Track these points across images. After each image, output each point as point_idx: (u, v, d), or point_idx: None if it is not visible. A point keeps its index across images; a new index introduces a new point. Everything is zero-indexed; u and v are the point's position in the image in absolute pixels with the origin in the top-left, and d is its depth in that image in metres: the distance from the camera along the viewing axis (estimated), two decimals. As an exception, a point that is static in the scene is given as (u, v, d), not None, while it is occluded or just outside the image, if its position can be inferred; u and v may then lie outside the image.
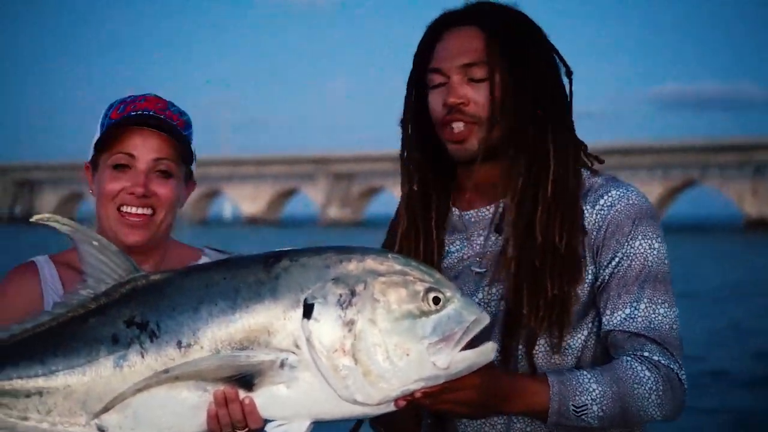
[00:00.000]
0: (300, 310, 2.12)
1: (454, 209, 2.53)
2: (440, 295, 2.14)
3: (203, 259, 2.61)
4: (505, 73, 2.40)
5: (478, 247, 2.48)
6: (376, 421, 2.43)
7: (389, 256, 2.19)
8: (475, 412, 2.25)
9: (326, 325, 2.11)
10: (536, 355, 2.40)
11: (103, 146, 2.53)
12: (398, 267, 2.15)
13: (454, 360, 2.11)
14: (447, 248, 2.52)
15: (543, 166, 2.41)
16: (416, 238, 2.50)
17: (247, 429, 2.16)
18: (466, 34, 2.43)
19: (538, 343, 2.39)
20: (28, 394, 2.21)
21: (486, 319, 2.16)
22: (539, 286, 2.36)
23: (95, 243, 2.24)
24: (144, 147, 2.52)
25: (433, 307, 2.13)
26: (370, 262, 2.15)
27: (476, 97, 2.40)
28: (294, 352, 2.12)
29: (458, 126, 2.41)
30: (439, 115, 2.44)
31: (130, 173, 2.52)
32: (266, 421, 2.18)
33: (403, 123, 2.54)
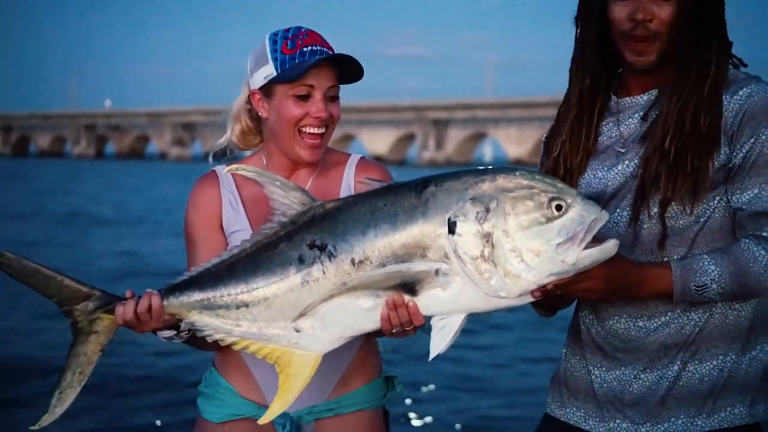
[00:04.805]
0: (446, 228, 2.53)
1: (612, 96, 2.82)
2: (562, 203, 2.50)
3: (351, 161, 3.12)
4: None
5: (624, 129, 2.78)
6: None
7: (517, 173, 2.54)
8: (604, 297, 2.63)
9: (467, 238, 2.51)
10: (667, 217, 2.66)
11: (283, 79, 2.97)
12: (525, 182, 2.52)
13: (580, 257, 2.47)
14: (600, 129, 2.82)
15: (705, 66, 2.68)
16: (579, 127, 2.81)
17: (412, 326, 2.62)
18: None
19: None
20: (237, 306, 2.73)
21: (605, 217, 2.51)
22: (680, 161, 2.63)
23: (278, 183, 2.72)
24: (321, 78, 2.97)
25: (556, 213, 2.50)
26: (501, 181, 2.53)
27: (660, 14, 2.67)
28: (445, 262, 2.54)
29: (641, 39, 2.68)
30: (623, 27, 2.70)
31: (311, 101, 2.98)
32: (428, 319, 2.61)
33: (580, 21, 2.81)
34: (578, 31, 2.81)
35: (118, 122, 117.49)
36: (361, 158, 3.12)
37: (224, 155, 3.16)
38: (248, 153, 3.18)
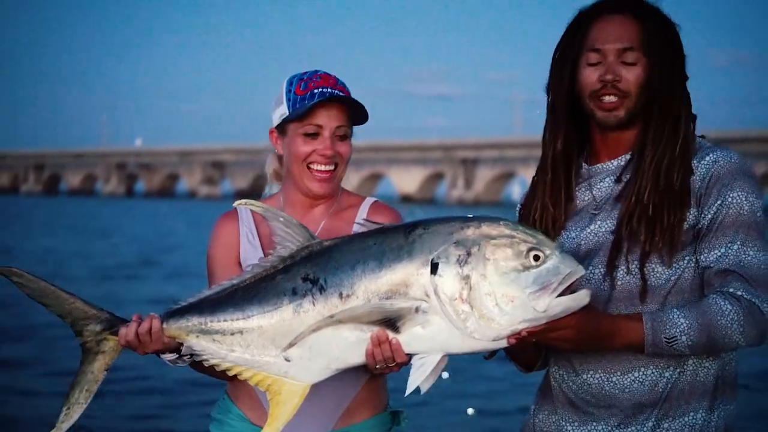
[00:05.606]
0: (428, 268, 2.68)
1: (582, 163, 2.99)
2: (540, 253, 2.64)
3: (364, 204, 3.28)
4: (652, 58, 2.87)
5: (597, 192, 2.93)
6: (508, 354, 2.95)
7: (501, 222, 2.70)
8: (577, 347, 2.74)
9: (448, 279, 2.66)
10: (645, 271, 2.80)
11: (294, 118, 3.17)
12: (507, 231, 2.67)
13: (551, 304, 2.60)
14: (573, 194, 2.97)
15: (676, 127, 2.87)
16: (557, 189, 2.97)
17: (395, 363, 2.78)
18: (621, 21, 2.89)
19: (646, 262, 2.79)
20: (232, 333, 2.89)
21: (581, 271, 2.65)
22: (657, 215, 2.79)
23: (281, 219, 2.88)
24: (329, 118, 3.17)
25: (534, 263, 2.63)
26: (485, 228, 2.68)
27: (627, 75, 2.87)
28: (425, 300, 2.69)
29: (610, 98, 2.87)
30: (593, 87, 2.89)
31: (319, 139, 3.17)
32: (410, 357, 2.76)
33: (552, 90, 2.99)
34: (549, 99, 2.99)
35: (149, 160, 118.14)
36: (375, 201, 3.28)
37: (249, 195, 3.33)
38: (275, 190, 3.36)
